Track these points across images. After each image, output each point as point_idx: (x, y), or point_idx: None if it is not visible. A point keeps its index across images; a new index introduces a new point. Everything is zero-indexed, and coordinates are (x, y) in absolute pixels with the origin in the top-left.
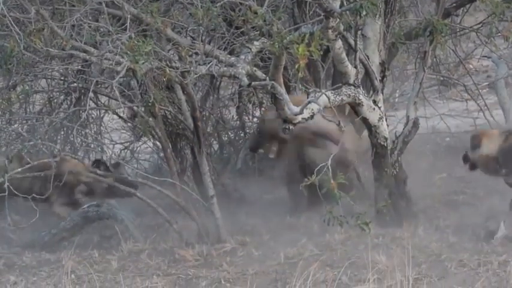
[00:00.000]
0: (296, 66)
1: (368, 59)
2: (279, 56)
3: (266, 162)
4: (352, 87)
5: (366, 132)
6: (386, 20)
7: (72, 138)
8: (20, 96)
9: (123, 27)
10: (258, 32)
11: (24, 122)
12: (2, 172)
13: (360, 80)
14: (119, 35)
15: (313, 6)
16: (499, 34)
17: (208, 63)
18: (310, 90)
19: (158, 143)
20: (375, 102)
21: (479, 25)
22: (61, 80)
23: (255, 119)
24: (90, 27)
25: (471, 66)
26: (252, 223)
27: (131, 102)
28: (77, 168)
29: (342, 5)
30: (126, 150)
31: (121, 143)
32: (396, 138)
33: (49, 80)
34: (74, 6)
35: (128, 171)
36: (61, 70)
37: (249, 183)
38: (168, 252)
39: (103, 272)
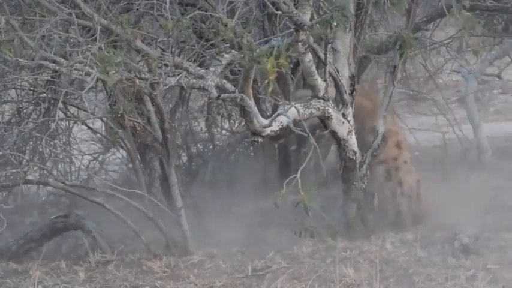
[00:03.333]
0: (266, 81)
1: (338, 72)
2: (249, 68)
3: (235, 174)
4: (322, 100)
5: None
6: (357, 34)
7: (41, 149)
8: None
9: (93, 38)
10: (228, 44)
11: None
12: None
13: (328, 94)
14: (89, 45)
15: (284, 19)
16: (469, 49)
17: (178, 75)
18: (279, 103)
19: (127, 155)
20: (344, 115)
21: (449, 40)
22: (30, 90)
23: (224, 131)
24: (60, 37)
25: (441, 80)
26: (220, 235)
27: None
28: None
29: (312, 18)
30: (94, 161)
31: (90, 154)
32: (365, 152)
33: (18, 90)
34: (44, 16)
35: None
36: (30, 80)
37: (217, 195)
38: (135, 264)
39: (70, 282)
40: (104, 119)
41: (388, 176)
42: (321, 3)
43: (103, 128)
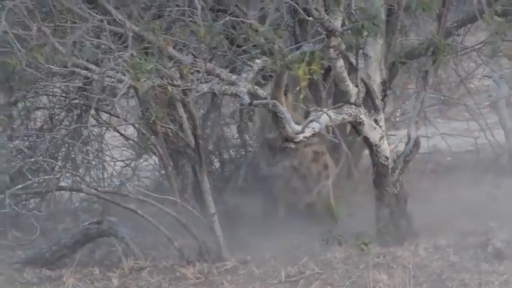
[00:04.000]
0: (297, 88)
1: (369, 78)
2: (281, 74)
3: (267, 181)
4: (354, 106)
5: None
6: (388, 39)
7: (73, 155)
8: (21, 113)
9: (124, 44)
10: (260, 50)
11: (26, 138)
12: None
13: (361, 99)
14: (121, 52)
15: (315, 25)
16: (501, 54)
17: (210, 81)
18: (311, 109)
19: (159, 161)
20: (376, 121)
21: (481, 45)
22: (62, 96)
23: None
24: (91, 44)
25: (472, 85)
26: (253, 241)
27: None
28: None
29: (343, 24)
30: (127, 168)
31: (122, 160)
32: (397, 158)
33: (50, 96)
34: (75, 23)
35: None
36: (62, 87)
37: (250, 201)
38: (169, 270)
39: None
40: (136, 125)
41: (315, 157)
42: (352, 10)
43: (135, 135)
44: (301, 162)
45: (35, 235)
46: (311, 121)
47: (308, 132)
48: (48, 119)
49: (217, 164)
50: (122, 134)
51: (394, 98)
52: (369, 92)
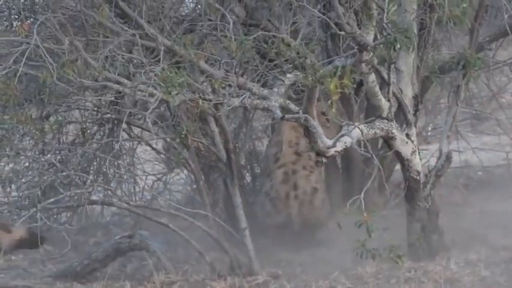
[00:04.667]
0: (329, 102)
1: (401, 92)
2: (312, 88)
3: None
4: (386, 120)
5: None
6: (420, 54)
7: (105, 169)
8: (53, 127)
9: (156, 58)
10: (291, 64)
11: (57, 152)
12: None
13: (393, 114)
14: (152, 66)
15: (347, 39)
16: None
17: (242, 95)
18: (343, 123)
19: (191, 175)
20: (408, 135)
21: None
22: (94, 110)
23: None
24: (123, 58)
25: (504, 100)
26: (284, 255)
27: (165, 133)
28: None
29: (375, 39)
30: (158, 182)
31: (154, 174)
32: (429, 172)
33: (82, 110)
34: (107, 37)
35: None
36: (94, 101)
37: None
38: (200, 284)
39: None
40: (168, 139)
41: (286, 178)
42: (384, 24)
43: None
44: (272, 185)
45: (66, 249)
46: (342, 135)
47: (340, 147)
48: (80, 133)
49: (248, 178)
50: (153, 148)
51: (426, 113)
52: (400, 107)
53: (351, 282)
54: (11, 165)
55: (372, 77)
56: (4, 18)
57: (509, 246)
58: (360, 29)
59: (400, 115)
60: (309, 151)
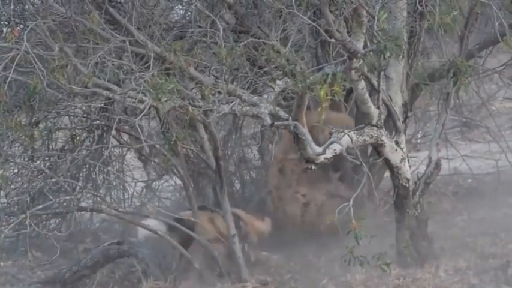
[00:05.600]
0: (319, 109)
1: (391, 99)
2: (302, 95)
3: None
4: (375, 127)
5: None
6: (410, 61)
7: (94, 176)
8: (43, 133)
9: (146, 65)
10: (281, 71)
11: (47, 158)
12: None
13: (382, 121)
14: (142, 73)
15: (337, 46)
16: None
17: (231, 102)
18: (333, 130)
19: (180, 181)
20: (397, 143)
21: (502, 67)
22: (84, 117)
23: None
24: (113, 65)
25: (494, 107)
26: (272, 262)
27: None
28: None
29: (365, 46)
30: (148, 188)
31: (143, 181)
32: (418, 179)
33: (72, 117)
34: (97, 44)
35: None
36: (84, 107)
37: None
38: None
39: None
40: (157, 146)
41: None
42: (374, 32)
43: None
44: None
45: (55, 255)
46: (332, 142)
47: (329, 154)
48: (69, 139)
49: (238, 185)
50: (142, 155)
51: (416, 120)
52: (390, 114)
53: None
54: (0, 172)
55: (362, 84)
56: None
57: (498, 254)
58: (349, 36)
59: (390, 122)
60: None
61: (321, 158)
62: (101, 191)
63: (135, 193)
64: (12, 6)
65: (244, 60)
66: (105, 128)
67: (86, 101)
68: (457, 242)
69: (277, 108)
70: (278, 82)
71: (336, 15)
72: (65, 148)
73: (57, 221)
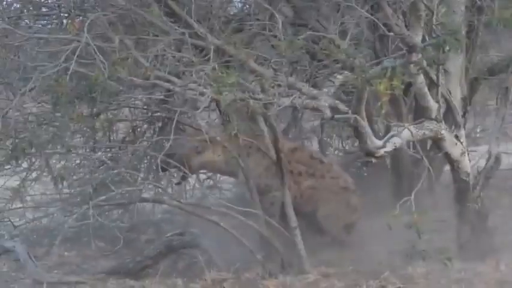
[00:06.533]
0: (379, 103)
1: (450, 93)
2: (362, 89)
3: None
4: (434, 121)
5: None
6: (468, 55)
7: (155, 167)
8: (104, 125)
9: (206, 58)
10: (341, 65)
11: (108, 150)
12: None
13: (441, 115)
14: (202, 65)
15: (395, 40)
16: None
17: (291, 95)
18: (392, 124)
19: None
20: (457, 137)
21: None
22: (144, 109)
23: (337, 152)
24: (173, 57)
25: None
26: (334, 254)
27: None
28: None
29: (423, 40)
30: (209, 180)
31: (205, 173)
32: (478, 174)
33: (132, 109)
34: (157, 36)
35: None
36: (144, 99)
37: None
38: (251, 282)
39: None
40: (218, 138)
41: None
42: (433, 26)
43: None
44: None
45: (119, 246)
46: (392, 136)
47: (389, 147)
48: (130, 131)
49: None
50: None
51: (475, 114)
52: (449, 108)
53: (401, 282)
54: (62, 163)
55: (421, 78)
56: (54, 17)
57: None
58: (408, 30)
59: (449, 116)
60: None
61: (381, 152)
62: (162, 182)
63: (196, 185)
64: None
65: (303, 53)
66: (166, 120)
67: (146, 92)
68: None
69: (337, 101)
70: (338, 76)
71: (394, 9)
72: (126, 139)
73: (120, 211)
